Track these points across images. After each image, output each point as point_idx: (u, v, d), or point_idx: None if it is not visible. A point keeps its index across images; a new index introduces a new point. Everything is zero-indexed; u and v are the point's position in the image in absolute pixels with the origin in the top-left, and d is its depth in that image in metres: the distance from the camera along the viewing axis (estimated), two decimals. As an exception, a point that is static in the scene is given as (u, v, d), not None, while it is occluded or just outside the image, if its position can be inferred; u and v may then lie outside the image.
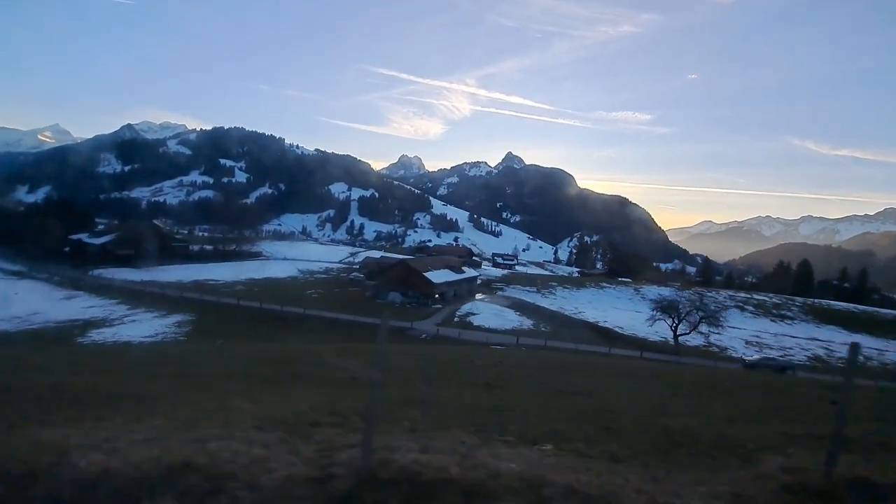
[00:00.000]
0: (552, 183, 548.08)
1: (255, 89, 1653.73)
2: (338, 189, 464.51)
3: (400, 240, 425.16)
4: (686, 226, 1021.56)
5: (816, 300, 74.73)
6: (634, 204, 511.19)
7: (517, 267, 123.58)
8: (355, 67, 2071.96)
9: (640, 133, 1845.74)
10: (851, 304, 73.93)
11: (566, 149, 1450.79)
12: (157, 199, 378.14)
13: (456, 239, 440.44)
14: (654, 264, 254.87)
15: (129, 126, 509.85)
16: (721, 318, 43.81)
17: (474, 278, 71.92)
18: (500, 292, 72.03)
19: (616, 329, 51.70)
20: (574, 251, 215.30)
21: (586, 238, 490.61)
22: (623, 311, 63.93)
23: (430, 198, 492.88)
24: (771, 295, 76.83)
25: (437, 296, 58.61)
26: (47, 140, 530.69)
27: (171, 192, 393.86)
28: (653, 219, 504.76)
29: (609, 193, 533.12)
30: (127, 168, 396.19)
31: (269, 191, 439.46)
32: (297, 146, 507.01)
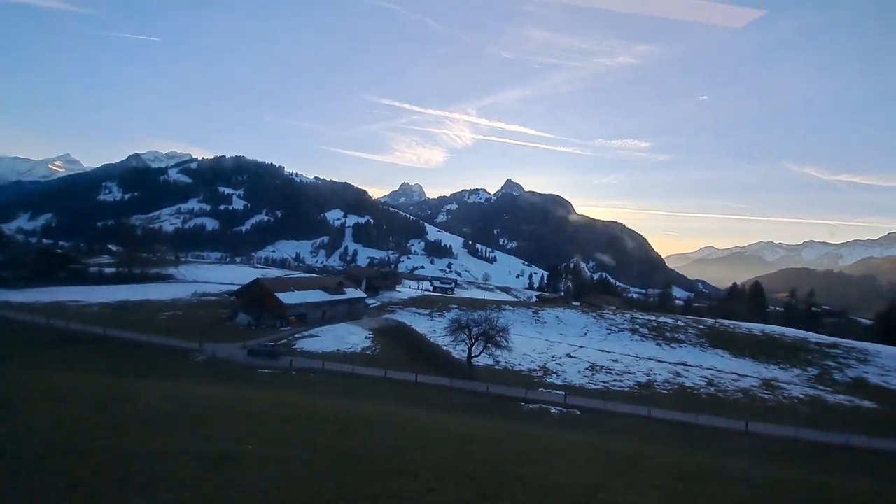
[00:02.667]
0: (549, 209, 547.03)
1: (263, 120, 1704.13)
2: (333, 216, 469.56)
3: (393, 266, 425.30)
4: (687, 251, 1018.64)
5: (728, 322, 70.13)
6: (631, 230, 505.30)
7: (456, 290, 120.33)
8: (360, 99, 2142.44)
9: (639, 160, 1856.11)
10: (767, 327, 69.04)
11: (566, 176, 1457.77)
12: (153, 226, 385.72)
13: (449, 265, 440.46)
14: (627, 290, 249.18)
15: (136, 155, 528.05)
16: (502, 340, 40.34)
17: (358, 300, 69.17)
18: (388, 315, 69.17)
19: (453, 352, 48.37)
20: (545, 276, 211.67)
21: (582, 263, 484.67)
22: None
23: (426, 224, 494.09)
24: (678, 317, 72.39)
25: (291, 317, 56.08)
26: (58, 169, 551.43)
27: (168, 220, 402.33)
28: (649, 244, 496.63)
29: (607, 219, 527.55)
30: (127, 196, 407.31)
31: (266, 218, 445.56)
32: (297, 174, 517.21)
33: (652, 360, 51.24)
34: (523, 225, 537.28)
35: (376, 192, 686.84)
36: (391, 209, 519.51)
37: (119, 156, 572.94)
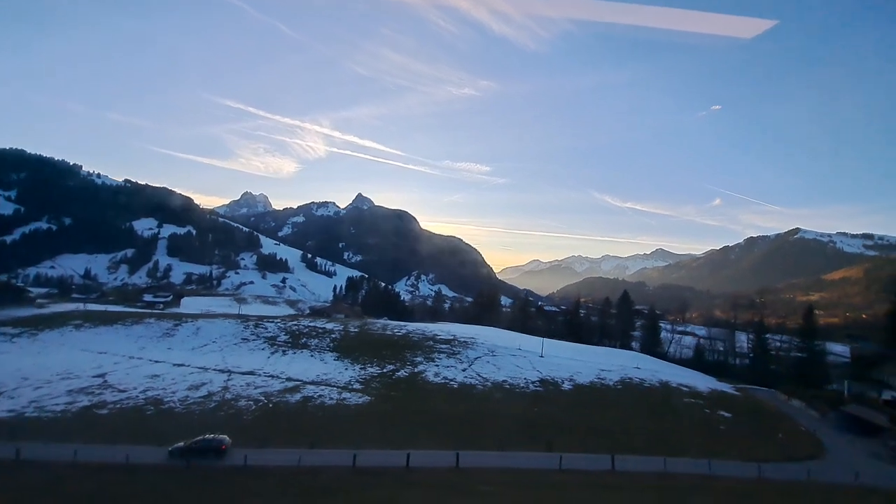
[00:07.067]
0: (396, 224, 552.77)
1: (66, 109, 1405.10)
2: (144, 225, 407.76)
3: (215, 282, 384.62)
4: (520, 264, 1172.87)
5: (395, 323, 70.65)
6: (468, 244, 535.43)
7: (244, 306, 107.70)
8: (198, 96, 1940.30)
9: (481, 182, 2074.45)
10: (427, 326, 70.79)
11: (416, 193, 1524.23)
12: None
13: (284, 280, 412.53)
14: (398, 295, 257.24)
15: None
16: None
17: None
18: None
19: None
20: (342, 288, 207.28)
21: (424, 276, 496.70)
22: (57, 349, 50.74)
23: (261, 237, 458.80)
24: (345, 324, 70.65)
25: None
26: None
27: None
28: (483, 257, 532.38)
29: (448, 234, 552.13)
30: None
31: (47, 226, 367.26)
32: (98, 175, 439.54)
33: (217, 370, 45.83)
34: (369, 239, 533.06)
35: (214, 201, 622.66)
36: (221, 219, 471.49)
37: None
